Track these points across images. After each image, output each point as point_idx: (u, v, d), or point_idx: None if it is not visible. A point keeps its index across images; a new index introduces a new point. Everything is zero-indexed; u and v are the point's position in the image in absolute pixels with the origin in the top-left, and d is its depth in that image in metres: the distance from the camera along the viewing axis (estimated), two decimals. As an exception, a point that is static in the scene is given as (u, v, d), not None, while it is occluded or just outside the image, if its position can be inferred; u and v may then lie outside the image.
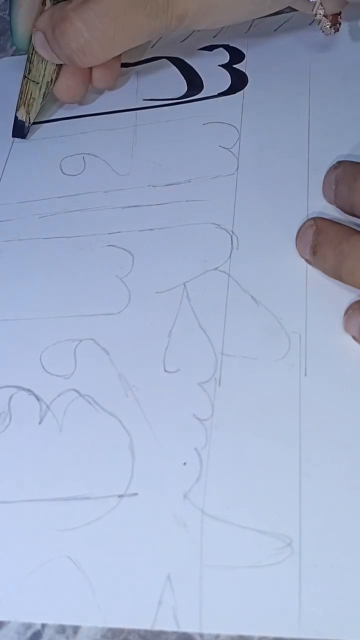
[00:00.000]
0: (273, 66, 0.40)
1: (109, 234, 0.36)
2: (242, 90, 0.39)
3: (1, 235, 0.37)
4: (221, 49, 0.41)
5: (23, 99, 0.39)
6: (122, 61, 0.43)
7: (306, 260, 0.32)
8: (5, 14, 0.49)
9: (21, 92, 0.39)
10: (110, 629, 0.25)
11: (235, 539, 0.26)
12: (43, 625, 0.26)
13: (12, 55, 0.46)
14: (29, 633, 0.26)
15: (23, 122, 0.40)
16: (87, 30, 0.33)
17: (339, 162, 0.33)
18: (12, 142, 0.41)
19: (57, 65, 0.37)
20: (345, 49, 0.39)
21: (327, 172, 0.33)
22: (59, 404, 0.31)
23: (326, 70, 0.38)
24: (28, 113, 0.39)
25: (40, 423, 0.30)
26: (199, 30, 0.42)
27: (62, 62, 0.36)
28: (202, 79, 0.40)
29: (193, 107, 0.39)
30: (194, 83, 0.40)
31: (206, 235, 0.34)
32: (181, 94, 0.40)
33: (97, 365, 0.31)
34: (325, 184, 0.33)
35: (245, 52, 0.40)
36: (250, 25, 0.42)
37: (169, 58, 0.42)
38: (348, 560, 0.25)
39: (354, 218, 0.32)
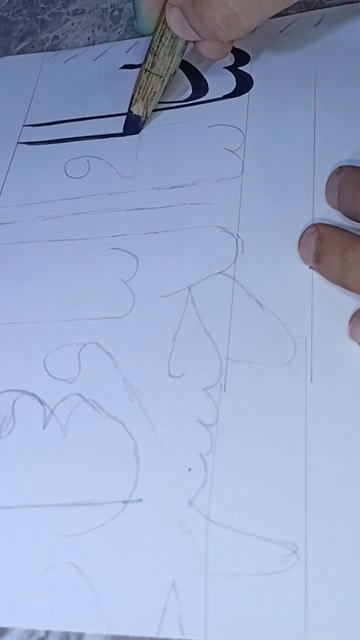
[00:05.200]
0: (278, 68, 0.39)
1: (113, 236, 0.35)
2: (248, 93, 0.39)
3: (5, 238, 0.37)
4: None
5: (142, 94, 0.38)
6: (127, 63, 0.43)
7: (310, 267, 0.31)
8: (8, 14, 0.49)
9: (139, 87, 0.37)
10: (114, 636, 0.25)
11: (241, 546, 0.26)
12: (47, 632, 0.26)
13: (17, 54, 0.46)
14: (33, 640, 0.26)
15: (139, 117, 0.38)
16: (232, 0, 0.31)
17: (341, 167, 0.33)
18: (16, 144, 0.41)
19: (181, 56, 0.37)
20: (351, 51, 0.39)
21: (329, 178, 0.33)
22: (63, 408, 0.30)
23: (332, 73, 0.38)
24: (146, 107, 0.38)
25: (44, 427, 0.30)
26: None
27: (199, 39, 0.35)
28: (207, 81, 0.40)
29: (198, 109, 0.39)
30: (199, 85, 0.40)
31: (211, 239, 0.34)
32: (186, 97, 0.40)
33: (101, 370, 0.31)
34: (328, 190, 0.33)
35: (250, 54, 0.40)
36: (256, 27, 0.41)
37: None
38: (355, 568, 0.24)
39: (359, 224, 0.32)
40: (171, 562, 0.26)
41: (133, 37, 0.44)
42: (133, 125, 0.39)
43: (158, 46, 0.36)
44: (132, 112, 0.38)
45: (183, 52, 0.37)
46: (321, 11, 0.41)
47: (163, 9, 0.36)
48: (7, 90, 0.44)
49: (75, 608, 0.26)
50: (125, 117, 0.39)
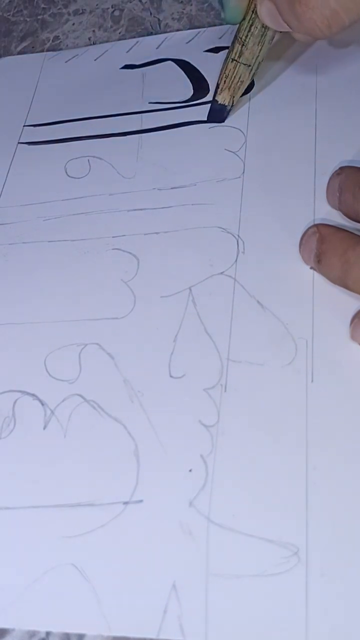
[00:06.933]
0: (280, 68, 0.39)
1: (114, 237, 0.35)
2: (248, 94, 0.39)
3: (5, 238, 0.37)
4: (227, 51, 0.41)
5: (228, 83, 0.37)
6: (127, 62, 0.43)
7: (311, 267, 0.31)
8: (9, 14, 0.48)
9: (225, 76, 0.36)
10: (115, 638, 0.25)
11: (241, 547, 0.26)
12: (47, 634, 0.26)
13: (18, 54, 0.46)
14: (33, 641, 0.26)
15: (224, 106, 0.38)
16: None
17: (342, 168, 0.33)
18: (17, 144, 0.41)
19: (271, 44, 0.35)
20: (352, 53, 0.39)
21: (330, 179, 0.33)
22: (64, 409, 0.30)
23: (333, 73, 0.38)
24: (232, 97, 0.37)
25: (44, 428, 0.30)
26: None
27: (290, 31, 0.32)
28: (208, 82, 0.40)
29: (199, 110, 0.39)
30: (200, 87, 0.40)
31: (212, 239, 0.34)
32: (187, 98, 0.40)
33: (102, 370, 0.31)
34: (329, 191, 0.33)
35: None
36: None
37: (174, 60, 0.41)
38: (355, 569, 0.24)
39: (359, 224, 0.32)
40: (172, 563, 0.26)
41: (133, 37, 0.44)
42: (218, 114, 0.38)
43: (247, 36, 0.35)
44: (218, 101, 0.37)
45: (272, 39, 0.35)
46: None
47: None
48: (8, 91, 0.44)
49: (75, 609, 0.26)
50: (207, 106, 0.39)
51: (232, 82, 0.37)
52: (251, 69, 0.36)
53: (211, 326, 0.31)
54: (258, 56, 0.36)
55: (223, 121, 0.38)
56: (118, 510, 0.27)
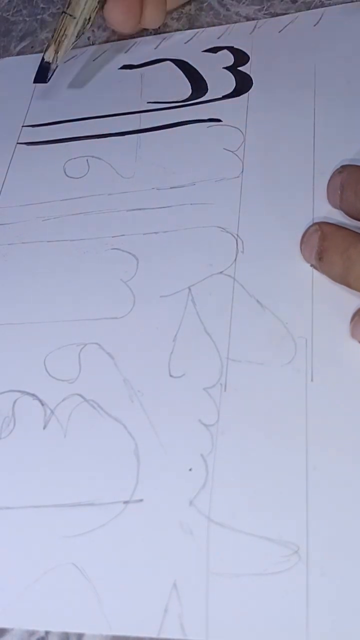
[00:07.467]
0: (278, 68, 0.39)
1: (113, 237, 0.35)
2: (247, 93, 0.39)
3: (5, 239, 0.37)
4: (225, 51, 0.41)
5: (55, 37, 0.36)
6: (126, 63, 0.43)
7: (311, 265, 0.31)
8: (8, 14, 0.48)
9: (55, 30, 0.36)
10: (115, 637, 0.25)
11: (242, 546, 0.26)
12: (47, 633, 0.25)
13: (17, 54, 0.46)
14: (34, 641, 0.26)
15: (49, 64, 0.36)
16: None
17: (343, 167, 0.33)
18: (16, 144, 0.41)
19: (99, 2, 0.36)
20: (350, 51, 0.39)
21: (331, 177, 0.33)
22: (64, 408, 0.30)
23: (331, 72, 0.38)
24: (56, 52, 0.36)
25: (44, 428, 0.30)
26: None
27: None
28: (207, 82, 0.40)
29: (198, 109, 0.39)
30: (199, 86, 0.40)
31: (211, 239, 0.34)
32: (185, 97, 0.40)
33: (101, 370, 0.31)
34: (330, 189, 0.33)
35: (249, 54, 0.40)
36: (255, 27, 0.41)
37: (173, 60, 0.42)
38: (356, 568, 0.24)
39: (361, 223, 0.32)
40: (172, 562, 0.26)
41: (132, 37, 0.44)
42: (42, 74, 0.36)
43: None
44: (44, 59, 0.36)
45: None
46: (320, 10, 0.41)
47: None
48: (7, 91, 0.44)
49: (75, 608, 0.26)
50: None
51: (58, 35, 0.36)
52: (77, 23, 0.35)
53: (211, 325, 0.31)
54: (84, 9, 0.35)
55: (46, 82, 0.37)
56: (118, 509, 0.27)
